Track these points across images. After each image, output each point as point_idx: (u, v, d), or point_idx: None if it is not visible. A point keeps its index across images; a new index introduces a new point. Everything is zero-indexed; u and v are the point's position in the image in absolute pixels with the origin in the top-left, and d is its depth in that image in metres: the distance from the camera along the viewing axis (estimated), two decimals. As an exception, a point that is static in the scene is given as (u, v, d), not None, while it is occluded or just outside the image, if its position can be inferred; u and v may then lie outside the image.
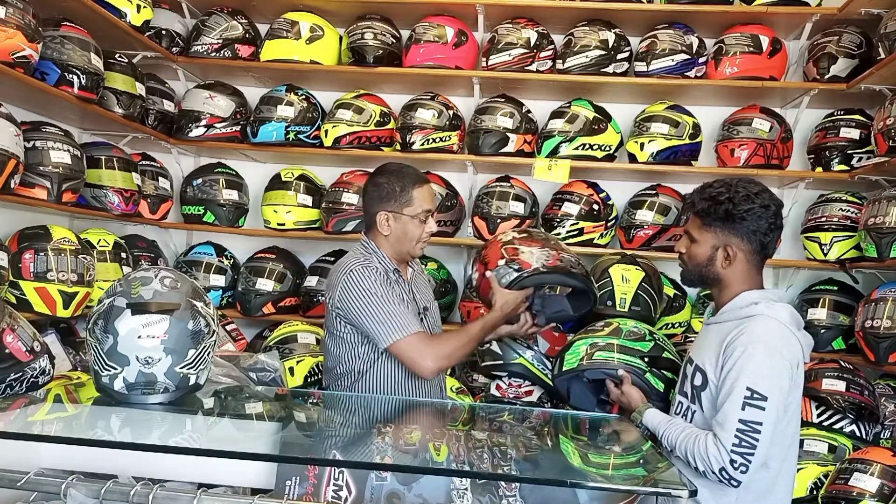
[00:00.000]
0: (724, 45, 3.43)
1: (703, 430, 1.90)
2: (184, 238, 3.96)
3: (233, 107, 3.67)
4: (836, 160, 3.36)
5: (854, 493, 2.36)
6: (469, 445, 1.83)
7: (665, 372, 2.38)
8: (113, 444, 1.54)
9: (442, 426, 2.22)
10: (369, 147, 3.58)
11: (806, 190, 3.55)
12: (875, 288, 2.99)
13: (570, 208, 3.47)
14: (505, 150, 3.49)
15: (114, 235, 3.28)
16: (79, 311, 2.80)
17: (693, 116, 3.49)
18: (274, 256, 3.68)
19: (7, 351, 1.97)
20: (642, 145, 3.41)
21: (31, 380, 2.02)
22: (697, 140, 3.48)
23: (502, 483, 1.53)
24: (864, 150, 3.28)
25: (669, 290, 3.36)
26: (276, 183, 3.69)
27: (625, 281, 3.04)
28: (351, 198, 3.53)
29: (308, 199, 3.65)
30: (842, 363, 2.85)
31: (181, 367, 1.73)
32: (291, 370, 3.18)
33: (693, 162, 3.48)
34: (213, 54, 3.62)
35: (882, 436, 2.86)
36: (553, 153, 3.45)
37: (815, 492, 2.56)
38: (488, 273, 2.49)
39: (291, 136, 3.58)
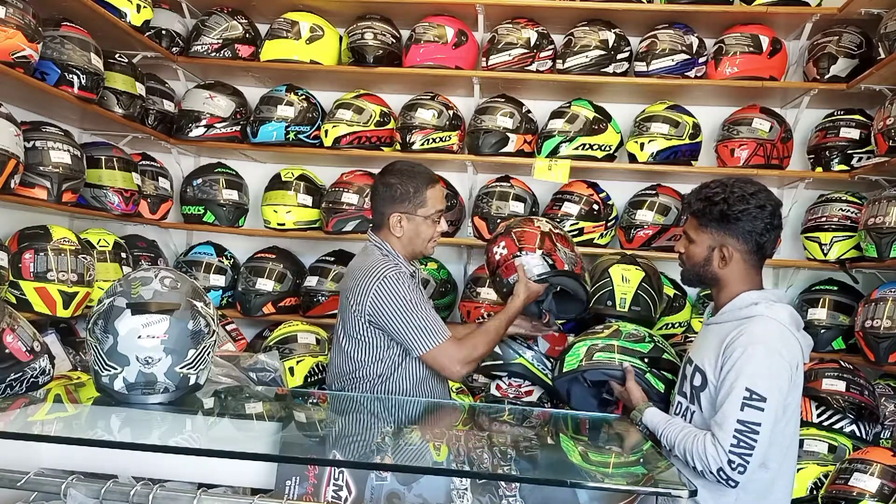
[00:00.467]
0: (724, 45, 3.43)
1: (701, 430, 1.90)
2: (184, 238, 3.96)
3: (233, 107, 3.67)
4: (836, 160, 3.36)
5: (854, 493, 2.36)
6: (469, 445, 1.83)
7: (665, 373, 2.39)
8: (113, 444, 1.54)
9: (442, 426, 2.22)
10: (369, 147, 3.58)
11: (806, 190, 3.55)
12: (875, 288, 2.99)
13: (570, 208, 3.47)
14: (505, 150, 3.49)
15: (114, 235, 3.28)
16: (79, 311, 2.80)
17: (693, 116, 3.49)
18: (274, 256, 3.68)
19: (7, 351, 1.97)
20: (642, 145, 3.41)
21: (31, 380, 2.02)
22: (697, 140, 3.48)
23: (502, 483, 1.53)
24: (864, 150, 3.28)
25: (669, 290, 3.36)
26: (276, 183, 3.69)
27: (625, 281, 3.03)
28: (351, 198, 3.53)
29: (308, 199, 3.65)
30: (842, 363, 2.85)
31: (181, 367, 1.73)
32: (291, 370, 3.19)
33: (693, 162, 3.48)
34: (213, 54, 3.62)
35: (882, 436, 2.86)
36: (553, 153, 3.45)
37: (815, 492, 2.56)
38: (520, 259, 2.48)
39: (291, 136, 3.58)
